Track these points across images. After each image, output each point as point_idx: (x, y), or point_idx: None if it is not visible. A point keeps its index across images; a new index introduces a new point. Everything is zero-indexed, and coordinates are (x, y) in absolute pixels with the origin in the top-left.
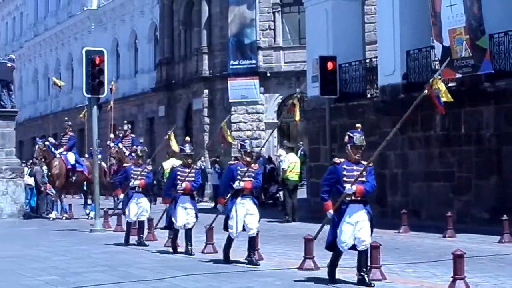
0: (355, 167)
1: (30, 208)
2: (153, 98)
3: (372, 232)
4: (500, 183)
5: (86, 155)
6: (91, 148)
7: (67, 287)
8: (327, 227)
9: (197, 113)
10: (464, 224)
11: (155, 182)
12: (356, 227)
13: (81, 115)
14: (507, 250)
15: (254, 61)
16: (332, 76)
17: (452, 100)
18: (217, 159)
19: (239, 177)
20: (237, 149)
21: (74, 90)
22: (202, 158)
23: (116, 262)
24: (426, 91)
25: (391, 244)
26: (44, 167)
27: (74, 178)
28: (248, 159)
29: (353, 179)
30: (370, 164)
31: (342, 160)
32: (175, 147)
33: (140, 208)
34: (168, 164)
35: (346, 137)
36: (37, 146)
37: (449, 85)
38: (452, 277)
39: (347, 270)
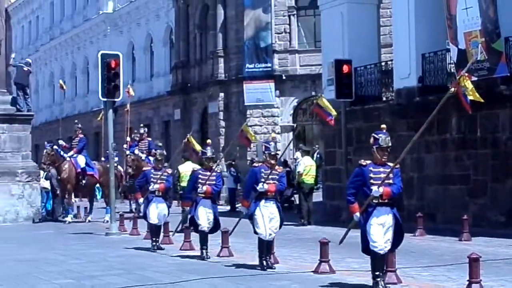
0: (381, 169)
1: (46, 212)
2: (168, 102)
3: (402, 236)
4: None
5: (103, 158)
6: (107, 151)
7: None
8: (352, 231)
9: (212, 116)
10: (480, 228)
11: None
12: (384, 230)
13: (99, 118)
14: None
15: (269, 65)
16: (347, 79)
17: (481, 100)
18: (233, 162)
19: (262, 180)
20: (262, 151)
21: (90, 94)
22: (218, 161)
23: (131, 265)
24: (452, 89)
25: (406, 247)
26: (53, 171)
27: (84, 181)
28: (273, 161)
29: (379, 181)
30: (397, 166)
31: (368, 162)
32: (198, 148)
33: (160, 212)
34: (184, 168)
35: (371, 139)
36: (44, 151)
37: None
38: (467, 280)
39: (362, 273)
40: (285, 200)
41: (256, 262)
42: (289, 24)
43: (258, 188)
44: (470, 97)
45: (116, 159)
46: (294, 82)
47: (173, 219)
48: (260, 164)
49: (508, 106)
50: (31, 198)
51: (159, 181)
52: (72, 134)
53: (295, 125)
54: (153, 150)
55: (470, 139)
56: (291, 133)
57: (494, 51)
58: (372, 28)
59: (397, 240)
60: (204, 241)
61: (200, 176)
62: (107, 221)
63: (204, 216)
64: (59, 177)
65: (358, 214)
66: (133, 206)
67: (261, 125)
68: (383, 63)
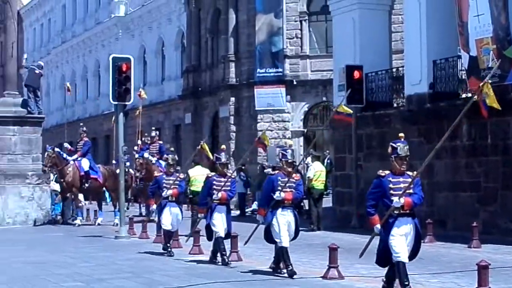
0: (401, 179)
1: (55, 214)
2: (179, 106)
3: (419, 246)
4: None
5: (114, 161)
6: (118, 154)
7: None
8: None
9: (223, 120)
10: (490, 235)
11: None
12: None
13: (112, 122)
14: None
15: (280, 70)
16: (358, 85)
17: (499, 108)
18: (243, 167)
19: (279, 188)
20: (278, 158)
21: (101, 97)
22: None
23: (140, 269)
24: (476, 97)
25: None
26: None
27: (87, 185)
28: (290, 169)
29: (400, 192)
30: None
31: (387, 172)
32: (210, 155)
33: (174, 218)
34: (194, 172)
35: (390, 148)
36: (46, 153)
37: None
38: None
39: (370, 279)
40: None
41: (264, 267)
42: (301, 29)
43: (275, 196)
44: (490, 104)
45: (128, 163)
46: (305, 87)
47: (183, 223)
48: (276, 171)
49: None
50: (41, 200)
51: (172, 187)
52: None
53: (305, 130)
54: (165, 155)
55: (481, 146)
56: (301, 138)
57: (505, 58)
58: (383, 34)
59: (416, 250)
60: (222, 247)
61: (214, 182)
62: (117, 224)
63: (220, 222)
64: (62, 180)
65: (379, 226)
66: (143, 209)
67: (271, 130)
68: (394, 69)
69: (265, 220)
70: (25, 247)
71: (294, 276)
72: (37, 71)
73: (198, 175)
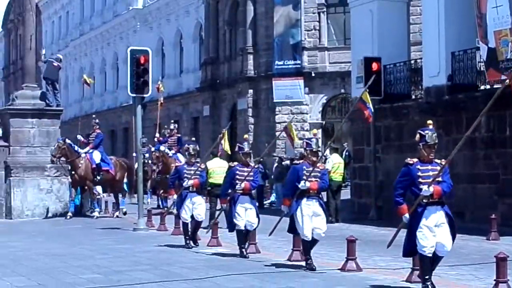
0: (429, 167)
1: (74, 207)
2: (198, 98)
3: (455, 234)
4: None
5: (134, 154)
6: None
7: (110, 285)
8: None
9: (241, 113)
10: (508, 227)
11: None
12: (435, 231)
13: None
14: None
15: (299, 62)
16: (376, 77)
17: None
18: (261, 159)
19: (304, 177)
20: (303, 148)
21: (119, 89)
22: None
23: (159, 261)
24: (508, 81)
25: None
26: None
27: (98, 177)
28: (314, 158)
29: (428, 180)
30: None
31: (415, 160)
32: (227, 147)
33: (197, 208)
34: (212, 164)
35: (417, 136)
36: (56, 144)
37: (494, 86)
38: (494, 280)
39: (389, 272)
40: None
41: (282, 258)
42: (319, 21)
43: (299, 186)
44: None
45: (147, 155)
46: (323, 80)
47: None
48: (301, 161)
49: None
50: (60, 193)
51: (193, 177)
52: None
53: (324, 122)
54: (186, 145)
55: (499, 138)
56: (320, 131)
57: None
58: (402, 25)
59: (452, 237)
60: (242, 240)
61: (237, 172)
62: (117, 216)
63: (243, 213)
64: (73, 173)
65: (407, 215)
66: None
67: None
68: (412, 61)
69: (289, 210)
70: (43, 240)
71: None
72: (55, 64)
73: (216, 167)
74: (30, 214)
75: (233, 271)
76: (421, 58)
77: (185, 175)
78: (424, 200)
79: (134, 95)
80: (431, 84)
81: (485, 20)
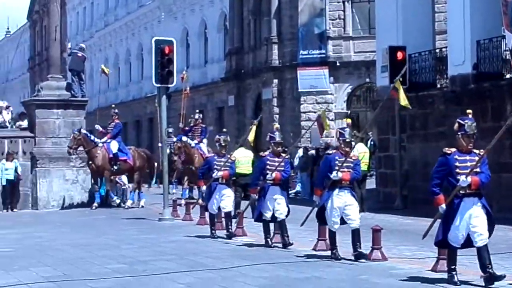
0: (467, 157)
1: (99, 197)
2: (222, 88)
3: (493, 226)
4: None
5: (160, 144)
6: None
7: (135, 275)
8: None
9: (266, 102)
10: None
11: None
12: (471, 221)
13: (156, 102)
14: None
15: (323, 51)
16: (401, 66)
17: None
18: (285, 149)
19: (336, 168)
20: (336, 137)
21: (144, 80)
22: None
23: (184, 251)
24: None
25: None
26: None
27: (116, 167)
28: (347, 148)
29: (466, 170)
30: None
31: (453, 150)
32: (252, 137)
33: (224, 200)
34: (237, 154)
35: (456, 125)
36: (72, 135)
37: None
38: None
39: (414, 261)
40: None
41: (307, 248)
42: (344, 10)
43: (331, 176)
44: None
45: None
46: (348, 69)
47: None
48: (334, 151)
49: None
50: (85, 183)
51: (223, 168)
52: (128, 119)
53: (349, 111)
54: (217, 136)
55: None
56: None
57: None
58: (427, 14)
59: (489, 229)
60: (268, 230)
61: (268, 162)
62: (128, 207)
63: (272, 205)
64: (90, 162)
65: (444, 206)
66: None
67: (314, 112)
68: (437, 50)
69: (321, 201)
70: (69, 230)
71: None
72: (79, 54)
73: (241, 157)
74: (56, 205)
75: (259, 261)
76: (446, 47)
77: (215, 166)
78: (461, 191)
79: (159, 85)
80: (456, 72)
81: (510, 8)
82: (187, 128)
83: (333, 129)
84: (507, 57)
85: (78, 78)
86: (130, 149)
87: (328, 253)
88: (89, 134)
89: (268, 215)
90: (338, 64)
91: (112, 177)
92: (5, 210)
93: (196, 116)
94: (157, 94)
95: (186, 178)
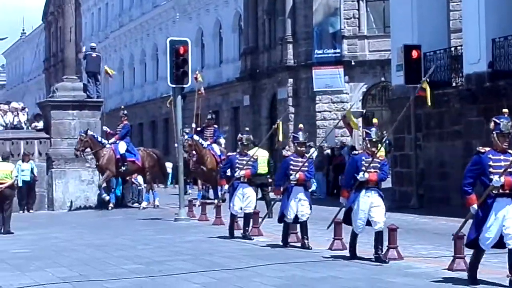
0: (502, 157)
1: (115, 198)
2: (237, 88)
3: None
4: None
5: (176, 144)
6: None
7: (151, 275)
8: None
9: (281, 102)
10: None
11: None
12: (504, 223)
13: (168, 102)
14: None
15: (338, 50)
16: (416, 64)
17: None
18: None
19: (363, 168)
20: (363, 137)
21: (159, 80)
22: (287, 147)
23: (199, 251)
24: None
25: None
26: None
27: (123, 168)
28: (374, 149)
29: (500, 170)
30: None
31: (487, 149)
32: (281, 136)
33: (246, 199)
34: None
35: (492, 124)
36: (78, 137)
37: None
38: None
39: (430, 260)
40: None
41: (323, 247)
42: (358, 9)
43: (358, 177)
44: None
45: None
46: (363, 68)
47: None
48: (360, 151)
49: None
50: None
51: (245, 167)
52: (143, 120)
53: (364, 111)
54: (239, 135)
55: None
56: (360, 119)
57: None
58: (442, 12)
59: None
60: (287, 231)
61: (292, 162)
62: (143, 208)
63: (294, 207)
64: (97, 163)
65: (475, 206)
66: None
67: (330, 111)
68: (452, 48)
69: (347, 203)
70: (85, 231)
71: (388, 262)
72: (94, 55)
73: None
74: (72, 206)
75: (274, 261)
76: (461, 45)
77: (237, 165)
78: (494, 191)
79: (174, 85)
80: (472, 71)
81: None
82: (199, 129)
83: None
84: None
85: (94, 79)
86: (139, 150)
87: (344, 252)
88: (96, 135)
89: (290, 216)
90: (353, 63)
91: (128, 178)
92: (21, 211)
93: (209, 117)
94: (172, 94)
95: (199, 178)
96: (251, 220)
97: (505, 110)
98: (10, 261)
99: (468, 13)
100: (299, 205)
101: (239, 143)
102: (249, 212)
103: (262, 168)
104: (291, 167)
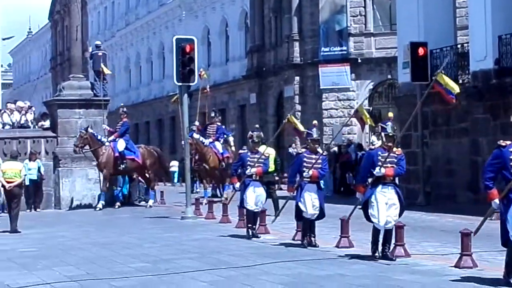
0: None
1: (122, 196)
2: (244, 86)
3: None
4: None
5: (182, 142)
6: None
7: (158, 274)
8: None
9: (288, 100)
10: None
11: None
12: None
13: (172, 100)
14: None
15: (345, 48)
16: (423, 62)
17: None
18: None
19: (379, 163)
20: (378, 132)
21: (165, 79)
22: (293, 145)
23: (206, 249)
24: None
25: (483, 231)
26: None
27: (122, 166)
28: (390, 143)
29: None
30: None
31: (508, 142)
32: (301, 127)
33: (257, 197)
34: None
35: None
36: (78, 134)
37: None
38: None
39: (437, 257)
40: None
41: (331, 245)
42: (365, 7)
43: (374, 172)
44: None
45: None
46: (370, 65)
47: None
48: (377, 146)
49: None
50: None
51: (256, 165)
52: (149, 118)
53: (370, 108)
54: (250, 132)
55: None
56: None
57: None
58: (448, 10)
59: None
60: (307, 229)
61: (305, 159)
62: (150, 206)
63: (310, 202)
64: (97, 161)
65: (497, 201)
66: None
67: (336, 109)
68: (459, 46)
69: (363, 198)
70: (92, 229)
71: (395, 260)
72: (99, 54)
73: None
74: (79, 204)
75: (281, 259)
76: (467, 43)
77: (249, 162)
78: None
79: (180, 84)
80: (478, 68)
81: None
82: (197, 126)
83: (355, 125)
84: None
85: (101, 77)
86: (139, 147)
87: (351, 250)
88: (95, 133)
89: (310, 212)
90: (359, 60)
91: (134, 176)
92: (28, 210)
93: (212, 114)
94: (179, 92)
95: (203, 177)
96: (258, 219)
97: None
98: (17, 260)
99: (474, 10)
100: (312, 203)
101: (249, 140)
102: (258, 211)
103: (269, 166)
104: (305, 164)
